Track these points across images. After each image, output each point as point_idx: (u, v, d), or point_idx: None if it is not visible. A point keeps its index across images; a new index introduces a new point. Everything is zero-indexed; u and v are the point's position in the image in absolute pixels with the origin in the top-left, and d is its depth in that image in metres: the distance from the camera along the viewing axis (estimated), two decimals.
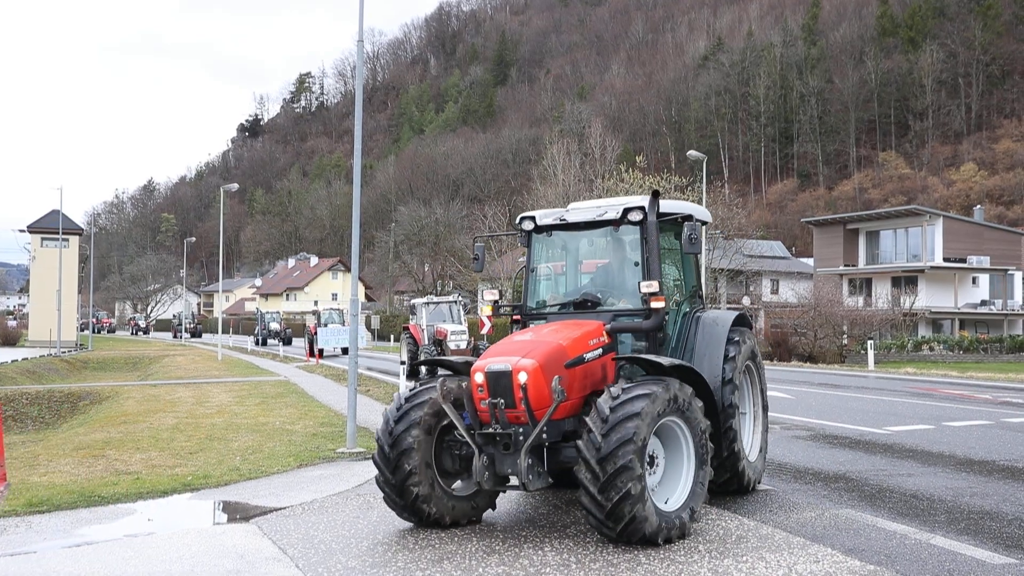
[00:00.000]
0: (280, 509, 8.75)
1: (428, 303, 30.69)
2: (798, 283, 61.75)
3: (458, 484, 7.91)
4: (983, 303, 56.53)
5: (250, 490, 9.98)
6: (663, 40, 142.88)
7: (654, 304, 8.06)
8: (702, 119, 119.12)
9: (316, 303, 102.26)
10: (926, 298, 53.59)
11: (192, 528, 8.33)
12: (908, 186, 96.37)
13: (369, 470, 10.29)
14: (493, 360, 7.39)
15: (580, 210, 8.92)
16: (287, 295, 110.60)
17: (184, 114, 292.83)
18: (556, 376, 7.13)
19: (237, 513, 8.95)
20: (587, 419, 6.97)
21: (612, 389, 7.10)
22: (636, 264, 8.46)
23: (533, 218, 8.99)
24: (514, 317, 9.25)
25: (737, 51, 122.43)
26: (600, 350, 7.90)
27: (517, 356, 7.32)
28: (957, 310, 54.85)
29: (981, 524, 7.84)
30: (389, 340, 59.24)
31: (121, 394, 24.11)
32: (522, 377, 7.14)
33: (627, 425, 6.80)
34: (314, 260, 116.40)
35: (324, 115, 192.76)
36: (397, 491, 7.61)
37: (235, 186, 50.06)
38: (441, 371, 8.43)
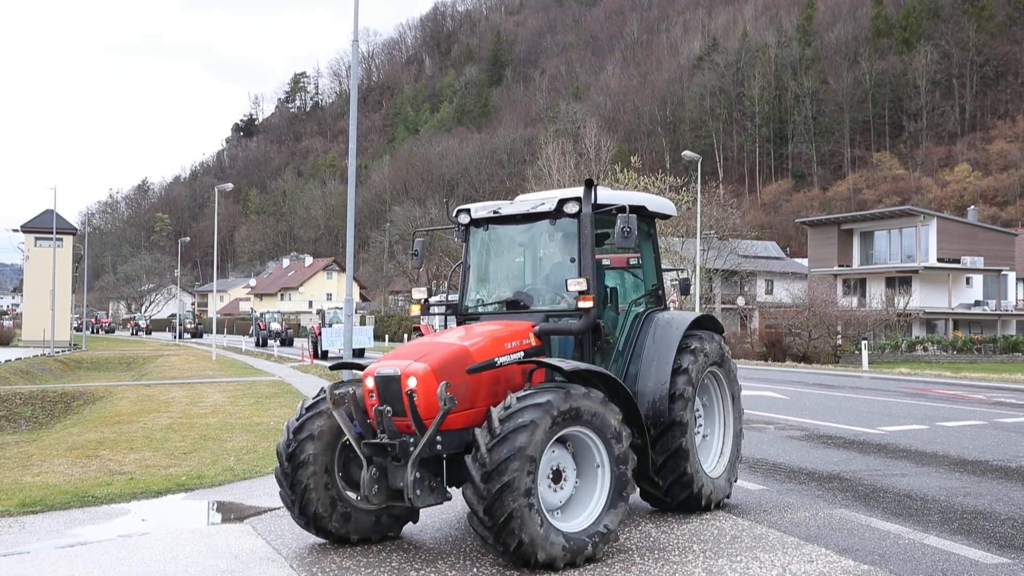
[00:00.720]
0: (274, 509, 8.74)
1: (440, 302, 29.66)
2: (792, 283, 61.86)
3: (419, 492, 7.04)
4: (977, 303, 56.69)
5: (244, 490, 9.97)
6: (658, 40, 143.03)
7: (582, 304, 7.37)
8: (697, 119, 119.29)
9: (311, 303, 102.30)
10: (920, 298, 53.72)
11: (186, 528, 8.32)
12: (902, 187, 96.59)
13: None
14: (385, 364, 6.87)
15: (517, 203, 8.33)
16: (282, 295, 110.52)
17: (180, 113, 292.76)
18: (444, 382, 6.45)
19: (231, 513, 8.94)
20: (477, 432, 6.33)
21: (508, 398, 6.48)
22: (573, 260, 7.77)
23: (469, 211, 8.42)
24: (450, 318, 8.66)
25: (732, 52, 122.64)
26: (521, 354, 7.21)
27: (410, 359, 6.78)
28: (951, 310, 54.99)
29: (975, 524, 7.85)
30: (384, 340, 59.20)
31: (115, 394, 24.06)
32: (411, 382, 6.59)
33: (515, 439, 6.15)
34: (309, 260, 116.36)
35: (319, 115, 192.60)
36: (298, 506, 7.09)
37: (230, 186, 50.02)
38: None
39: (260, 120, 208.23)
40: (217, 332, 56.54)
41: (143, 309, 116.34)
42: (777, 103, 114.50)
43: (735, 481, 8.87)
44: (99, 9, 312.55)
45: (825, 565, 6.53)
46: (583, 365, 7.00)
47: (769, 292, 67.28)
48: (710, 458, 8.64)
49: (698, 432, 8.54)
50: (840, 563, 6.58)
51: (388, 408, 6.66)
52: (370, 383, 6.84)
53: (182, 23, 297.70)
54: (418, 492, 6.56)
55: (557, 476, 6.68)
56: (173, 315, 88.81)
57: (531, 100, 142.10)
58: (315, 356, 40.16)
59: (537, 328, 7.50)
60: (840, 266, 59.16)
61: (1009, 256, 58.88)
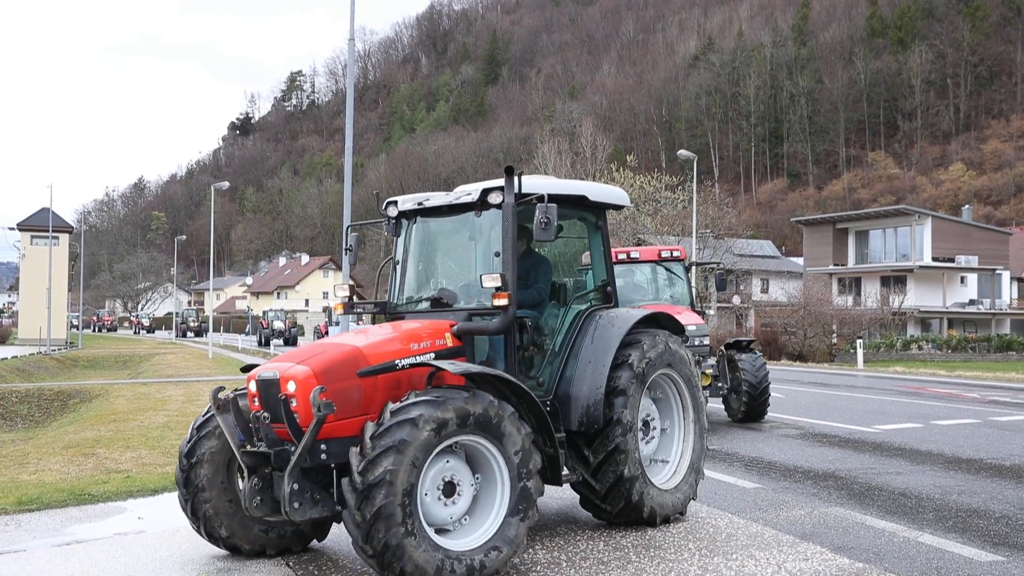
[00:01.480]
0: None
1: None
2: (788, 282, 61.98)
3: (296, 505, 6.21)
4: (971, 302, 56.82)
5: None
6: (654, 40, 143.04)
7: (497, 302, 6.79)
8: (692, 119, 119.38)
9: (307, 302, 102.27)
10: (915, 297, 53.83)
11: (183, 526, 8.28)
12: (897, 186, 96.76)
13: None
14: (267, 366, 6.44)
15: (455, 193, 7.78)
16: (278, 293, 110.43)
17: (178, 113, 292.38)
18: (318, 387, 5.94)
19: None
20: (352, 451, 5.85)
21: (384, 411, 5.98)
22: (498, 255, 7.16)
23: (397, 203, 7.95)
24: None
25: (727, 51, 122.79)
26: (431, 355, 6.70)
27: (292, 362, 6.33)
28: (946, 309, 55.11)
29: (969, 522, 7.89)
30: None
31: (111, 392, 24.03)
32: (290, 386, 6.11)
33: (385, 460, 5.64)
34: (305, 258, 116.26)
35: (315, 113, 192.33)
36: (190, 507, 6.73)
37: (226, 184, 49.93)
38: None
39: (256, 119, 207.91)
40: (214, 331, 56.41)
41: (140, 307, 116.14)
42: (772, 102, 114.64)
43: (693, 498, 8.16)
44: (99, 9, 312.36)
45: (820, 563, 6.56)
46: (474, 368, 6.44)
47: (765, 291, 67.35)
48: (665, 469, 8.03)
49: (650, 439, 8.00)
50: (835, 561, 6.61)
51: (267, 414, 6.17)
52: (253, 387, 6.38)
53: (182, 23, 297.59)
54: (296, 504, 5.97)
55: (449, 489, 6.14)
56: (177, 313, 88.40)
57: (527, 99, 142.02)
58: None
59: (455, 328, 6.99)
60: (835, 265, 59.26)
61: (1003, 255, 59.03)
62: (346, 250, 8.65)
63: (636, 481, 7.36)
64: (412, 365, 6.56)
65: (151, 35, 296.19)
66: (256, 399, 6.34)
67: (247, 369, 6.88)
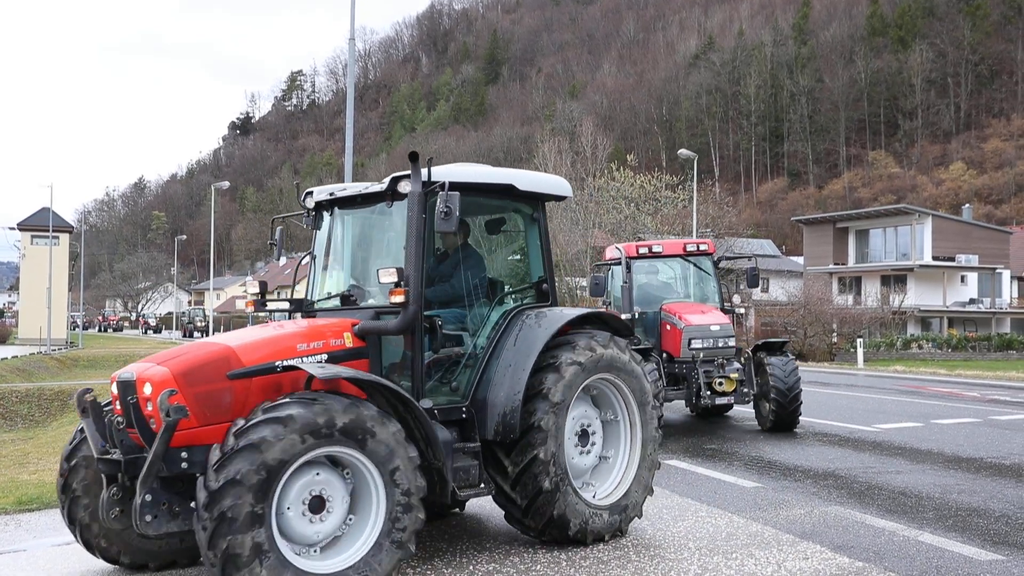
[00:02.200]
0: None
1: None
2: (788, 281, 61.91)
3: (149, 518, 5.63)
4: (971, 301, 56.80)
5: None
6: (654, 39, 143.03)
7: (394, 299, 6.29)
8: (693, 118, 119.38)
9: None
10: (915, 297, 53.81)
11: None
12: (897, 185, 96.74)
13: None
14: (129, 367, 5.99)
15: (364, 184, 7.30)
16: (278, 293, 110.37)
17: (178, 113, 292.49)
18: (167, 390, 5.50)
19: None
20: (213, 448, 5.41)
21: (255, 410, 5.53)
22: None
23: (313, 193, 7.50)
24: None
25: (728, 50, 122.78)
26: (323, 357, 6.16)
27: (155, 362, 5.86)
28: (946, 308, 55.09)
29: (969, 521, 7.89)
30: None
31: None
32: (147, 389, 5.65)
33: (240, 460, 5.16)
34: (306, 259, 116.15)
35: (315, 113, 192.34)
36: (67, 514, 6.37)
37: (226, 184, 50.02)
38: None
39: (257, 118, 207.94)
40: (215, 331, 56.44)
41: (140, 307, 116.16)
42: (773, 101, 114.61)
43: (638, 516, 7.45)
44: (99, 9, 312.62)
45: (820, 562, 6.56)
46: (347, 372, 5.88)
47: (765, 290, 67.33)
48: (606, 484, 7.34)
49: (587, 451, 7.28)
50: (835, 560, 6.61)
51: (121, 419, 5.73)
52: (114, 389, 5.86)
53: (182, 23, 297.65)
54: (149, 517, 5.47)
55: (318, 505, 5.57)
56: (183, 313, 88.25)
57: (527, 98, 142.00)
58: None
59: (357, 328, 6.44)
60: (835, 264, 59.24)
61: (1004, 254, 59.01)
62: (270, 244, 8.16)
63: (559, 494, 6.72)
64: (292, 368, 5.90)
65: (151, 35, 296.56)
66: (117, 402, 5.85)
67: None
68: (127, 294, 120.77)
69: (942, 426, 14.71)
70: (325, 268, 7.40)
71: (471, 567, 6.54)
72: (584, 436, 7.25)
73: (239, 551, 5.08)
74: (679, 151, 44.21)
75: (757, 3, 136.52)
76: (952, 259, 55.60)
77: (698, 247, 14.69)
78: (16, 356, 43.45)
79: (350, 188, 7.23)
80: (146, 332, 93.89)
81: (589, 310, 7.49)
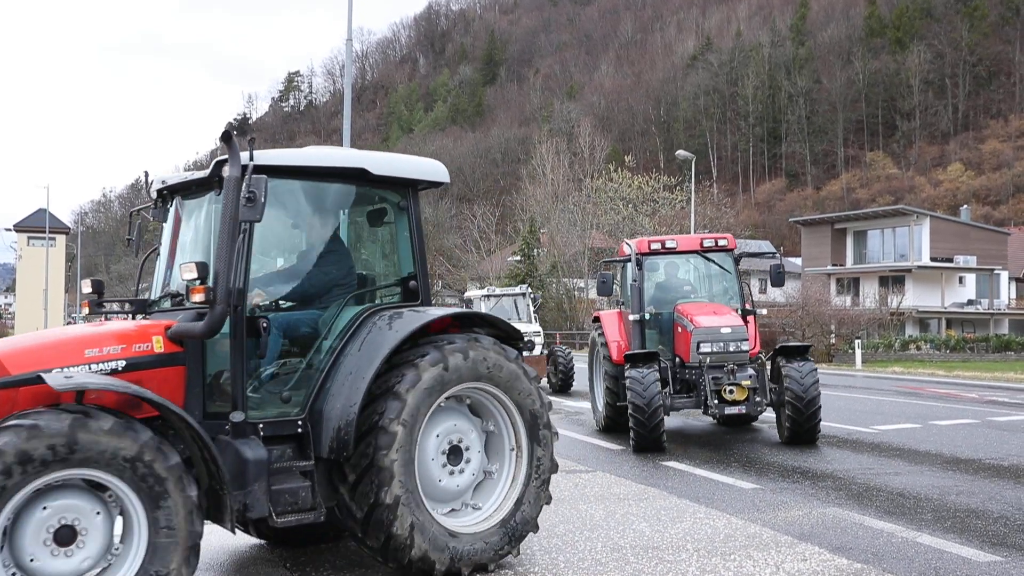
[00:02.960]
0: None
1: (488, 296, 24.85)
2: (786, 282, 62.01)
3: None
4: (970, 302, 56.87)
5: None
6: (652, 40, 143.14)
7: (195, 298, 5.54)
8: (691, 119, 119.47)
9: None
10: (913, 298, 53.86)
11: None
12: (895, 186, 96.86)
13: None
14: None
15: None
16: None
17: (178, 113, 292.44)
18: None
19: None
20: None
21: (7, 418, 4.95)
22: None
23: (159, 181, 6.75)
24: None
25: (726, 51, 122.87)
26: (120, 363, 5.47)
27: None
28: (944, 309, 55.15)
29: (967, 522, 7.88)
30: None
31: None
32: None
33: None
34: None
35: (313, 114, 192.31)
36: None
37: None
38: None
39: (254, 119, 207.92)
40: None
41: None
42: (771, 102, 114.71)
43: (514, 554, 6.47)
44: (99, 9, 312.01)
45: (818, 564, 6.55)
46: (96, 382, 5.13)
47: (763, 291, 67.39)
48: (491, 501, 6.46)
49: (460, 470, 6.34)
50: (833, 561, 6.60)
51: None
52: None
53: (182, 23, 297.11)
54: None
55: (67, 537, 4.84)
56: None
57: (525, 99, 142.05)
58: None
59: (171, 331, 5.69)
60: (833, 265, 59.29)
61: (1002, 255, 59.09)
62: (127, 240, 7.38)
63: (401, 509, 5.76)
64: (34, 380, 5.10)
65: (151, 35, 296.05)
66: None
67: None
68: (124, 296, 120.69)
69: (940, 427, 14.70)
70: (168, 264, 6.58)
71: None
72: (456, 453, 6.34)
73: None
74: (677, 152, 44.26)
75: (755, 4, 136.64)
76: (950, 260, 55.67)
77: (716, 242, 13.61)
78: None
79: (188, 175, 6.49)
80: None
81: (457, 310, 6.65)
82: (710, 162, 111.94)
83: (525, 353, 24.75)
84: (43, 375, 5.01)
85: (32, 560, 4.77)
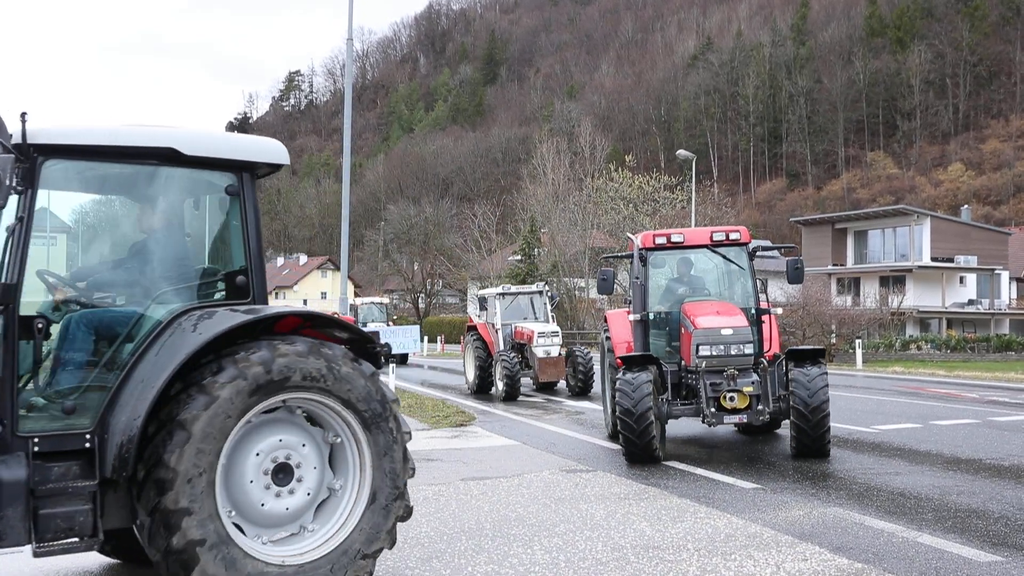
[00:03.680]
0: None
1: (504, 294, 23.53)
2: (786, 282, 62.00)
3: None
4: (970, 302, 56.85)
5: None
6: (652, 40, 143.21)
7: None
8: (691, 118, 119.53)
9: (305, 302, 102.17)
10: (914, 297, 53.85)
11: None
12: (896, 186, 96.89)
13: None
14: None
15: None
16: (276, 294, 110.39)
17: (178, 113, 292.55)
18: None
19: None
20: None
21: None
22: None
23: None
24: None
25: (726, 51, 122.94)
26: None
27: None
28: (945, 309, 55.13)
29: (968, 522, 7.87)
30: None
31: None
32: None
33: None
34: (303, 259, 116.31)
35: (313, 113, 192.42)
36: None
37: None
38: None
39: (255, 119, 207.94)
40: None
41: None
42: (771, 102, 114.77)
43: (387, 547, 5.68)
44: (99, 9, 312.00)
45: (819, 563, 6.54)
46: None
47: (763, 291, 67.42)
48: (331, 523, 5.57)
49: (290, 490, 5.47)
50: (834, 561, 6.60)
51: None
52: None
53: (182, 23, 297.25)
54: None
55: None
56: None
57: (526, 99, 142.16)
58: None
59: None
60: (834, 265, 59.26)
61: (1002, 255, 59.07)
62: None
63: (187, 518, 4.92)
64: None
65: (151, 35, 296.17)
66: None
67: None
68: None
69: (941, 427, 14.69)
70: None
71: (469, 568, 6.52)
72: (285, 471, 5.47)
73: None
74: (677, 152, 44.25)
75: (755, 4, 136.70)
76: (951, 260, 55.65)
77: (728, 236, 12.50)
78: None
79: None
80: None
81: (293, 310, 5.70)
82: (711, 162, 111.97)
83: (542, 354, 22.83)
84: None
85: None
